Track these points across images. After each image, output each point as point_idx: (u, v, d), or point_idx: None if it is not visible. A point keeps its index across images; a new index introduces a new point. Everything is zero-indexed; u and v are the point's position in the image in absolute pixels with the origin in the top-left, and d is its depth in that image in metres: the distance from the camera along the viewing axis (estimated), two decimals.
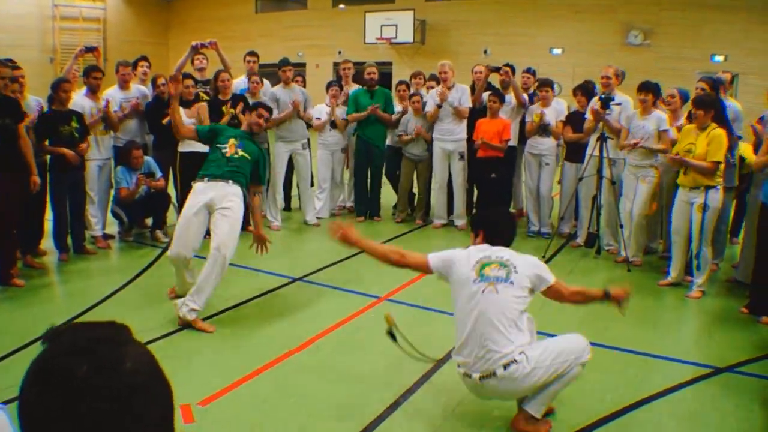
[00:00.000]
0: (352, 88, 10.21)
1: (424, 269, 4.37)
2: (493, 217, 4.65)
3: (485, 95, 9.39)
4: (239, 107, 8.67)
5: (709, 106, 6.70)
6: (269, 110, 7.20)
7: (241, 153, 6.33)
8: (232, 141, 6.37)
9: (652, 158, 7.58)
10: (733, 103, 7.73)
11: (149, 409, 1.09)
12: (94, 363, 1.05)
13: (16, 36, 22.73)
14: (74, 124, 7.49)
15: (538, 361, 3.91)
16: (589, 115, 8.23)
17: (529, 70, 10.16)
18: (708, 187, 6.63)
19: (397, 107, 10.00)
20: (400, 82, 10.56)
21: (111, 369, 1.06)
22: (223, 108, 8.67)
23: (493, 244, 4.29)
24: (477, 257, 4.14)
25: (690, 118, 7.40)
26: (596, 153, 7.98)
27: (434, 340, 5.48)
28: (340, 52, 24.61)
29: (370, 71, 9.81)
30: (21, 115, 6.69)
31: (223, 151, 6.32)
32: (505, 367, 3.87)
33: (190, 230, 6.13)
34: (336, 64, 24.05)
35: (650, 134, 7.52)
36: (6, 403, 4.17)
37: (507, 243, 4.34)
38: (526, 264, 4.15)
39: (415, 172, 9.91)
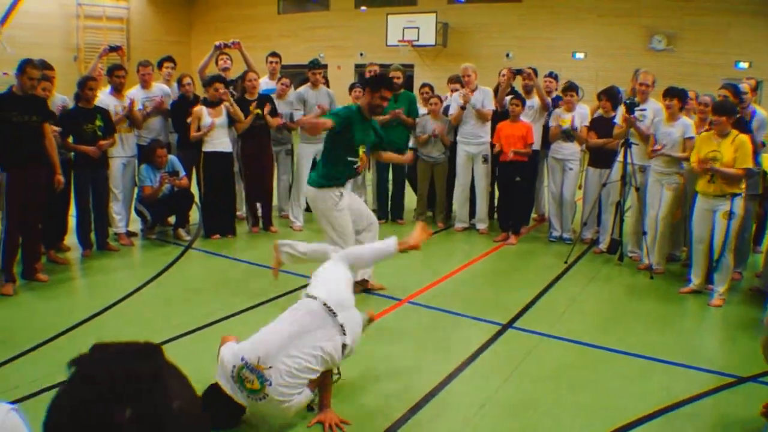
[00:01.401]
0: None
1: None
2: None
3: (507, 99, 9.36)
4: (266, 109, 8.72)
5: (731, 112, 6.66)
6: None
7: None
8: (362, 152, 6.43)
9: (677, 165, 7.51)
10: (759, 111, 7.67)
11: None
12: (139, 413, 0.95)
13: (39, 35, 22.86)
14: (98, 122, 7.57)
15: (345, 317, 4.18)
16: (620, 121, 8.16)
17: (551, 74, 10.11)
18: (733, 195, 6.59)
19: (422, 110, 9.96)
20: (424, 85, 10.54)
21: (157, 416, 0.97)
22: (250, 107, 8.71)
23: None
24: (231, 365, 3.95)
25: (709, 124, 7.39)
26: (620, 159, 7.92)
27: (453, 342, 5.48)
28: (361, 54, 24.61)
29: (395, 75, 9.77)
30: (47, 113, 6.77)
31: (354, 167, 6.44)
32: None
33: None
34: (357, 66, 24.07)
35: (675, 141, 7.45)
36: (33, 395, 4.23)
37: None
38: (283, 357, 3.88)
39: (432, 176, 9.86)
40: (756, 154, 7.21)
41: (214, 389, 3.91)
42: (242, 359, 3.88)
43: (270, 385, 3.77)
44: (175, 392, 1.01)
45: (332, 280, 4.43)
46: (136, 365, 1.01)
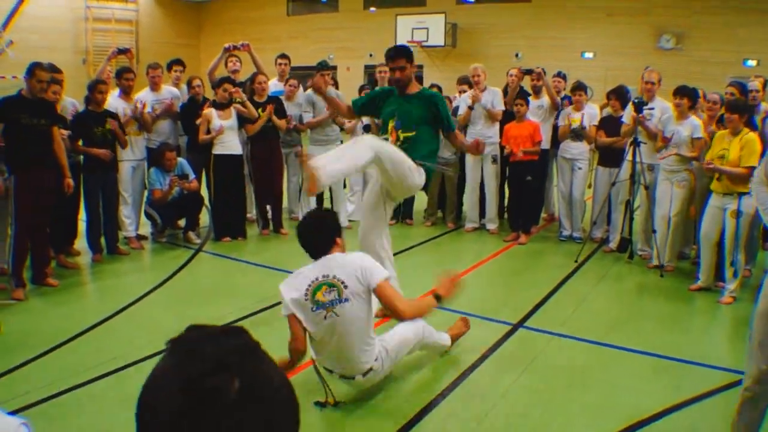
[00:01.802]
0: None
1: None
2: (299, 229, 4.58)
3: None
4: (270, 109, 8.75)
5: (744, 110, 6.68)
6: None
7: (402, 136, 5.79)
8: (391, 125, 5.89)
9: (687, 163, 7.50)
10: None
11: (290, 425, 1.07)
12: (246, 384, 0.98)
13: (48, 38, 22.99)
14: (108, 126, 7.56)
15: (386, 359, 4.38)
16: (628, 121, 8.14)
17: (559, 74, 10.10)
18: (741, 194, 6.57)
19: None
20: (433, 85, 10.53)
21: (262, 387, 1.01)
22: (259, 110, 8.72)
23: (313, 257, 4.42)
24: (308, 280, 4.22)
25: (719, 122, 7.38)
26: (629, 158, 7.91)
27: (464, 342, 5.48)
28: (371, 55, 24.63)
29: None
30: (56, 117, 6.80)
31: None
32: (364, 374, 4.31)
33: None
34: (367, 67, 24.10)
35: (684, 140, 7.44)
36: (44, 400, 4.25)
37: (314, 252, 4.43)
38: (350, 267, 4.23)
39: (442, 176, 9.85)
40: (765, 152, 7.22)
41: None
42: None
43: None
44: (272, 369, 1.06)
45: None
46: (236, 341, 1.05)
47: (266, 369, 1.04)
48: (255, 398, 0.99)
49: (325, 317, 4.11)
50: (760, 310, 3.54)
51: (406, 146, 5.62)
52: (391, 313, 4.54)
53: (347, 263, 4.25)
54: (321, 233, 4.48)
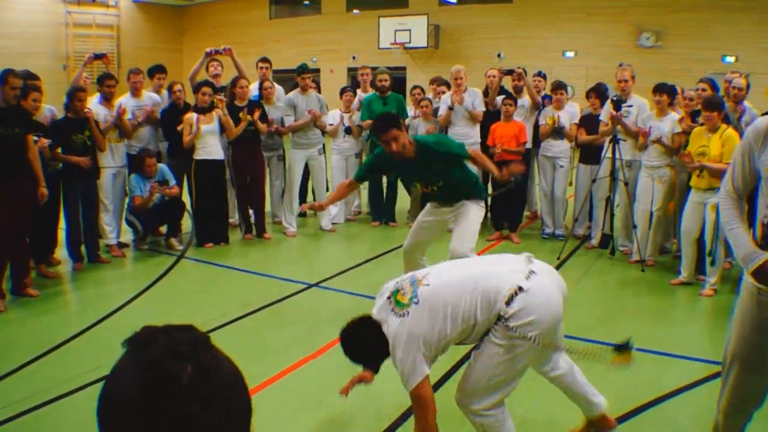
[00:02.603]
0: (370, 93, 10.19)
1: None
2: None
3: (499, 99, 9.38)
4: (256, 114, 8.70)
5: (720, 107, 6.79)
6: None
7: (435, 187, 5.71)
8: (419, 187, 6.04)
9: (668, 159, 7.58)
10: (751, 108, 7.68)
11: (239, 413, 1.11)
12: (198, 367, 1.04)
13: (28, 43, 22.81)
14: (87, 133, 7.51)
15: None
16: (605, 119, 8.21)
17: (539, 74, 10.14)
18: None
19: (412, 111, 9.96)
20: (415, 87, 10.55)
21: (214, 373, 1.07)
22: (240, 114, 8.67)
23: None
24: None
25: (692, 118, 7.57)
26: (609, 155, 7.98)
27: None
28: (354, 57, 24.62)
29: (382, 77, 9.78)
30: (30, 125, 6.72)
31: (428, 192, 5.90)
32: None
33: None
34: (350, 70, 24.07)
35: (665, 135, 7.56)
36: (26, 413, 4.21)
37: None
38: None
39: None
40: None
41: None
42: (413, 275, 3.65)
43: (417, 303, 3.42)
44: (221, 356, 1.12)
45: None
46: (187, 334, 1.11)
47: (217, 358, 1.11)
48: (208, 384, 1.04)
49: None
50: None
51: (446, 192, 5.73)
52: None
53: None
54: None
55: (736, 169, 3.30)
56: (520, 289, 3.35)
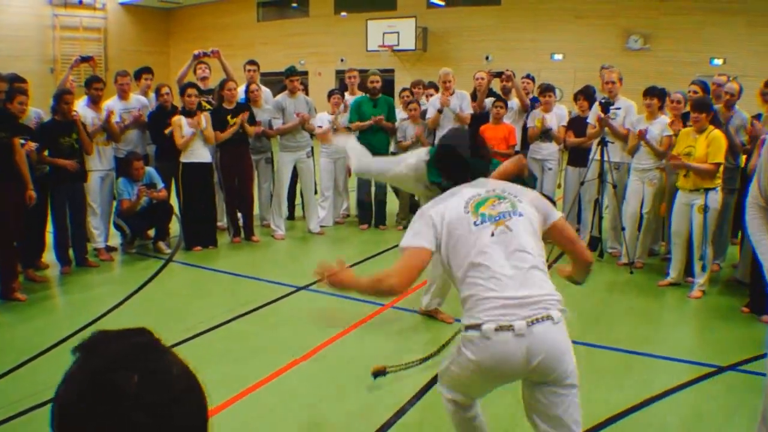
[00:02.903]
0: (357, 96, 10.19)
1: (422, 261, 3.11)
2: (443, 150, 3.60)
3: (488, 101, 9.40)
4: (244, 116, 8.69)
5: (709, 108, 6.83)
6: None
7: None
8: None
9: (658, 161, 7.61)
10: (741, 111, 7.68)
11: (191, 419, 1.09)
12: (145, 375, 1.03)
13: (15, 47, 22.75)
14: (75, 136, 7.46)
15: None
16: (593, 121, 8.23)
17: (528, 76, 10.17)
18: (707, 189, 6.71)
19: (401, 114, 9.96)
20: (404, 89, 10.54)
21: (163, 380, 1.05)
22: (228, 117, 8.65)
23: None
24: (464, 198, 3.17)
25: (683, 120, 7.54)
26: (597, 157, 8.01)
27: (437, 344, 5.46)
28: (342, 60, 24.65)
29: (373, 79, 9.78)
30: (16, 128, 6.69)
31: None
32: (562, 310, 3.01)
33: None
34: (338, 72, 24.10)
35: (655, 138, 7.58)
36: (13, 418, 4.18)
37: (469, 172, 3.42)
38: (523, 191, 3.28)
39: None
40: (737, 155, 7.33)
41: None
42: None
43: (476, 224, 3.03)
44: (173, 360, 1.11)
45: None
46: (136, 339, 1.10)
47: (166, 362, 1.09)
48: (156, 392, 1.03)
49: (493, 233, 2.98)
50: None
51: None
52: (571, 253, 3.49)
53: (517, 188, 3.30)
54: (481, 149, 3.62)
55: (762, 176, 3.22)
56: (509, 328, 2.81)
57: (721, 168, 6.75)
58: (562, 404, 2.94)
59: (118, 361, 1.04)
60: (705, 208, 6.72)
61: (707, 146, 6.65)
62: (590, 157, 8.27)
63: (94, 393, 1.01)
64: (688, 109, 7.38)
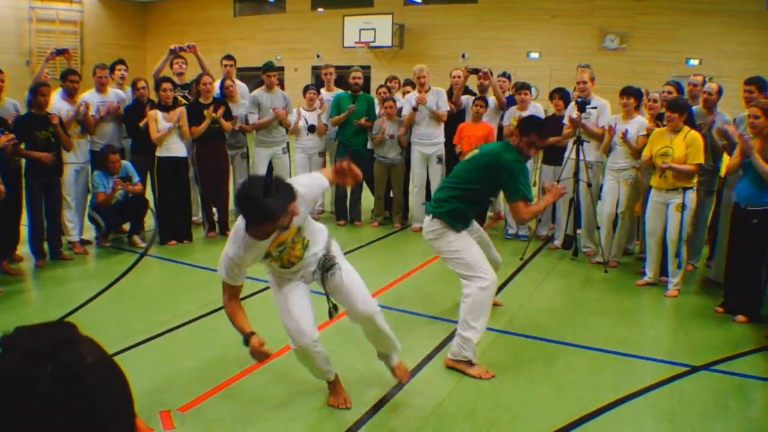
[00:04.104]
0: (333, 92, 10.20)
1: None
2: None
3: (465, 98, 9.44)
4: (220, 111, 8.66)
5: (683, 108, 6.85)
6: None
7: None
8: None
9: (633, 161, 7.65)
10: (722, 112, 7.69)
11: (113, 408, 1.08)
12: (57, 369, 1.01)
13: None
14: (51, 129, 7.41)
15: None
16: (567, 122, 8.28)
17: (504, 74, 10.19)
18: (685, 189, 6.75)
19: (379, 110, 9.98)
20: (381, 86, 10.54)
21: (73, 372, 1.03)
22: (204, 112, 8.64)
23: None
24: None
25: (659, 120, 7.57)
26: (573, 156, 8.05)
27: (411, 342, 5.49)
28: (318, 56, 24.61)
29: (355, 75, 9.80)
30: None
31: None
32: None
33: None
34: (315, 68, 24.06)
35: (632, 138, 7.61)
36: None
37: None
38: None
39: (389, 177, 9.89)
40: (717, 157, 7.41)
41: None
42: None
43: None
44: (88, 350, 1.08)
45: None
46: (51, 333, 1.08)
47: (78, 353, 1.06)
48: (67, 383, 1.01)
49: None
50: None
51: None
52: None
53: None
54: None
55: None
56: None
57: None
58: None
59: (28, 357, 1.02)
60: (683, 207, 6.77)
61: (686, 147, 6.68)
62: (565, 155, 8.33)
63: (10, 386, 1.00)
64: (663, 109, 7.44)
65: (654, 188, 7.06)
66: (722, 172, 7.27)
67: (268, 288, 6.93)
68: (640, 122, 7.68)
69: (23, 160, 7.39)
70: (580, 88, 8.27)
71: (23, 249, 7.79)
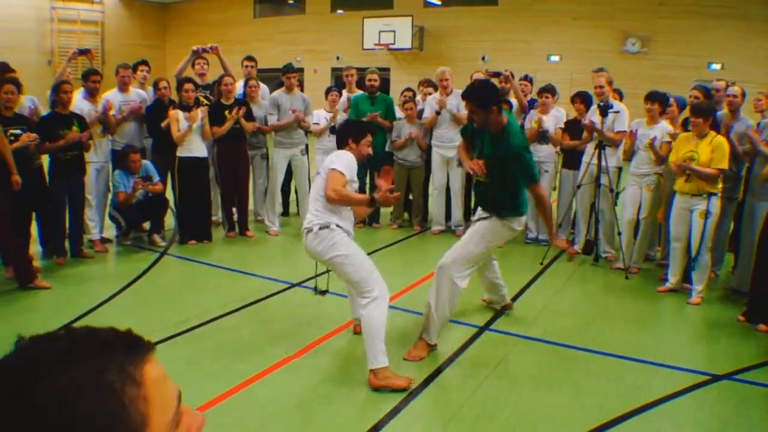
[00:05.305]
0: (355, 94, 10.18)
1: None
2: None
3: None
4: (241, 111, 8.67)
5: (708, 113, 6.76)
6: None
7: (485, 178, 5.63)
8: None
9: (657, 166, 7.58)
10: (745, 118, 7.63)
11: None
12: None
13: (13, 38, 22.71)
14: (75, 128, 7.44)
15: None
16: (586, 124, 8.21)
17: (526, 78, 10.12)
18: (710, 194, 6.68)
19: (400, 113, 9.94)
20: (407, 89, 10.48)
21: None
22: (226, 112, 8.67)
23: None
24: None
25: (684, 125, 7.45)
26: (594, 161, 7.97)
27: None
28: (338, 58, 24.64)
29: (371, 78, 9.78)
30: (7, 120, 6.70)
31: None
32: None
33: None
34: (334, 70, 24.09)
35: (657, 145, 7.50)
36: None
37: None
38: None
39: (409, 179, 9.86)
40: (740, 163, 7.30)
41: None
42: None
43: None
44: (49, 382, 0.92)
45: None
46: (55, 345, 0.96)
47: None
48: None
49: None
50: None
51: (489, 190, 5.77)
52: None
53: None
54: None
55: None
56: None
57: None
58: None
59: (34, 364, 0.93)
60: (707, 213, 6.70)
61: (712, 151, 6.60)
62: (584, 160, 8.27)
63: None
64: (687, 114, 7.36)
65: (678, 194, 6.97)
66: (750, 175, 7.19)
67: (282, 290, 6.98)
68: (664, 128, 7.57)
69: (44, 158, 7.41)
70: (598, 92, 8.20)
71: (35, 247, 7.76)
